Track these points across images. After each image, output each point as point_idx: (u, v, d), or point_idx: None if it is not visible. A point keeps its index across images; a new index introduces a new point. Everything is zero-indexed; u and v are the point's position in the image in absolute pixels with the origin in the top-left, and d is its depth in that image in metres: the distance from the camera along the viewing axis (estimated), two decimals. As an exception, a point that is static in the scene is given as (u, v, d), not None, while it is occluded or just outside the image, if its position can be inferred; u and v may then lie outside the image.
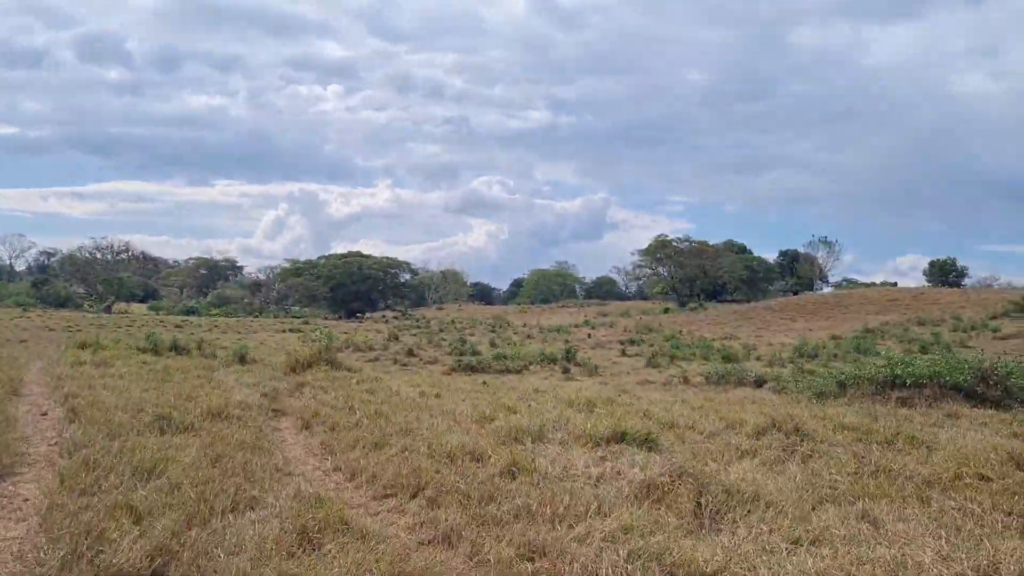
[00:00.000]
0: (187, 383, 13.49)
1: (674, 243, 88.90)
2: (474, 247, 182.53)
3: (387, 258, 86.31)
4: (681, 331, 49.69)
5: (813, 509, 5.52)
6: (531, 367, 25.41)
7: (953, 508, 5.47)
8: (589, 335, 48.29)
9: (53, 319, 52.33)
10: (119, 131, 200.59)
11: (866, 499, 5.78)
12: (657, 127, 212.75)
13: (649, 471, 6.10)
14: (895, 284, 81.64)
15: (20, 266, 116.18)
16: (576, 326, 58.27)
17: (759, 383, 18.49)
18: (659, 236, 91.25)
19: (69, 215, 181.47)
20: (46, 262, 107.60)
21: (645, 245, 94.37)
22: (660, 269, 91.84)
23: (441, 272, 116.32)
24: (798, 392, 15.43)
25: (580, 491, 5.71)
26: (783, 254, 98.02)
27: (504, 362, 25.55)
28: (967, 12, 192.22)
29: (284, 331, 49.32)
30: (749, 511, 5.24)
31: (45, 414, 10.55)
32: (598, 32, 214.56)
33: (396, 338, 41.64)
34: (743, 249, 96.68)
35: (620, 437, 7.78)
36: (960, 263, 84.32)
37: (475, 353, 30.36)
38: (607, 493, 5.77)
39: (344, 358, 20.49)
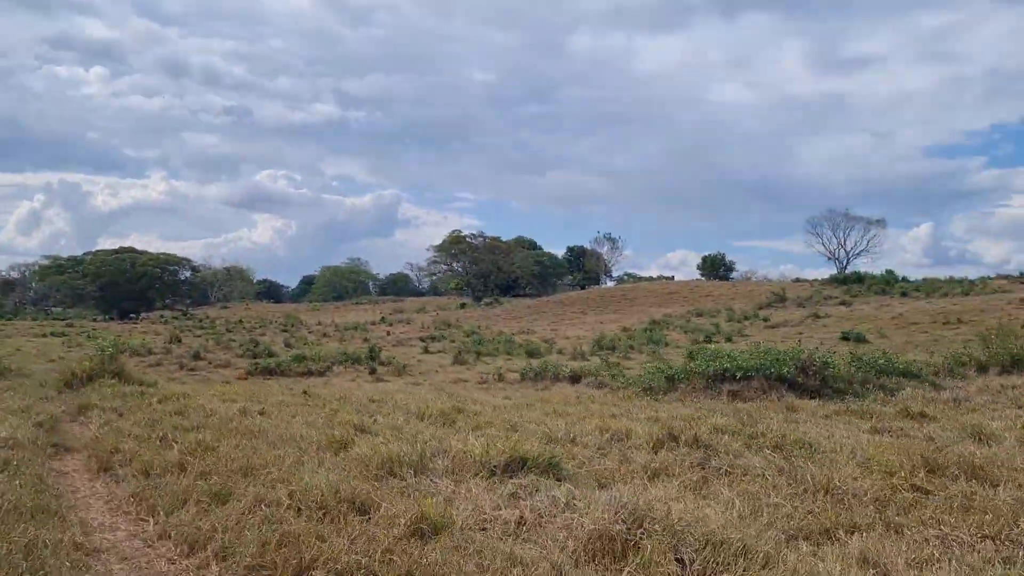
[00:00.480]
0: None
1: (468, 239, 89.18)
2: (259, 243, 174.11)
3: (164, 254, 79.35)
4: (480, 326, 49.51)
5: (783, 549, 4.60)
6: (334, 368, 23.90)
7: (936, 538, 4.82)
8: (388, 332, 46.97)
9: None
10: None
11: (839, 532, 5.00)
12: (446, 125, 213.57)
13: (592, 514, 4.82)
14: (672, 278, 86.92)
15: None
16: (373, 323, 56.68)
17: (575, 379, 18.28)
18: (453, 232, 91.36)
19: None
20: None
21: (439, 241, 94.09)
22: (455, 265, 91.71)
23: (225, 269, 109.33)
24: (623, 387, 15.19)
25: (519, 553, 4.31)
26: (571, 250, 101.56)
27: (305, 364, 23.86)
28: (723, 27, 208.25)
29: (45, 335, 43.83)
30: (745, 569, 4.17)
31: None
32: (386, 29, 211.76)
33: (178, 340, 38.18)
34: (533, 245, 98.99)
35: (520, 463, 6.41)
36: (728, 258, 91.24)
37: (271, 355, 28.28)
38: (554, 553, 4.45)
39: (133, 369, 17.70)
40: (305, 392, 14.21)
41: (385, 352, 28.98)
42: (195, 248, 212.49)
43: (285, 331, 49.21)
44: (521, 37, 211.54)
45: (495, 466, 6.45)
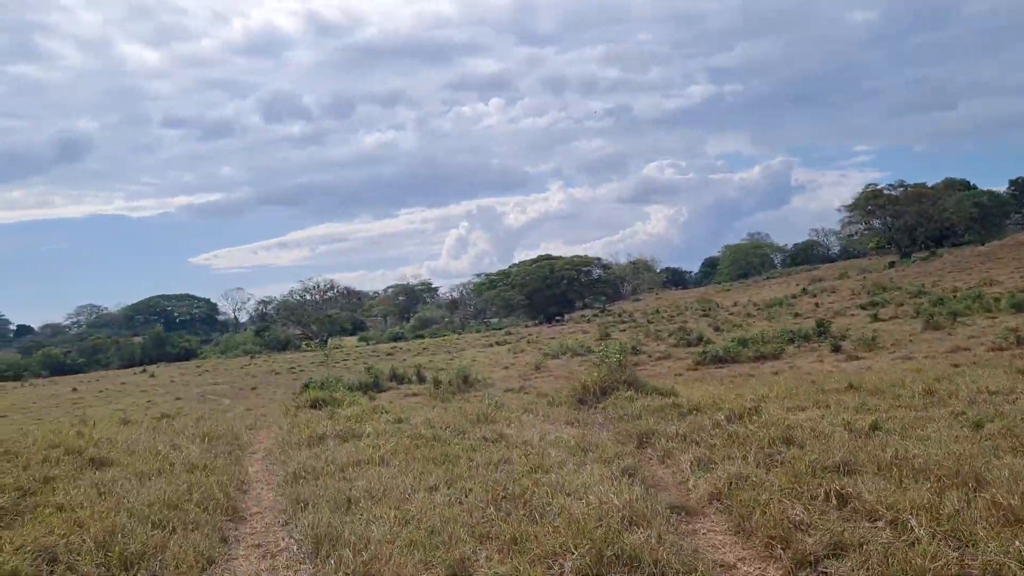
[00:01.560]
0: (482, 458, 8.69)
1: (886, 191, 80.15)
2: (654, 234, 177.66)
3: (577, 257, 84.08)
4: (924, 284, 43.49)
5: None
6: (787, 349, 21.84)
7: None
8: (816, 304, 43.43)
9: (277, 362, 54.06)
10: (307, 180, 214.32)
11: None
12: (826, 78, 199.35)
13: None
14: None
15: (243, 317, 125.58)
16: (794, 296, 53.30)
17: None
18: (868, 186, 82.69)
19: (277, 264, 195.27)
20: (264, 310, 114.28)
21: (846, 200, 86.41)
22: (874, 222, 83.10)
23: (631, 263, 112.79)
24: None
25: None
26: (1014, 183, 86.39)
27: (754, 347, 22.03)
28: None
29: (491, 344, 47.97)
30: None
31: None
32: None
33: (607, 336, 39.09)
34: (966, 185, 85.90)
35: None
36: None
37: (707, 341, 27.14)
38: None
39: (642, 375, 16.33)
40: (851, 386, 11.39)
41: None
42: (596, 248, 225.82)
43: (705, 315, 48.26)
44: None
45: None
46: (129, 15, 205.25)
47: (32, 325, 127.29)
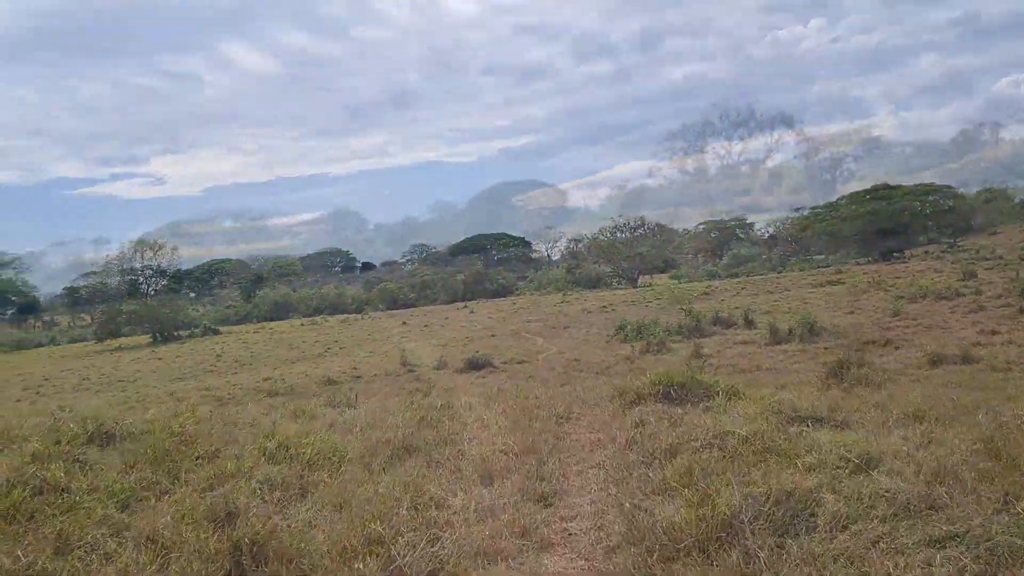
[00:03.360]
0: None
1: None
2: (1000, 158, 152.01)
3: (922, 185, 73.43)
4: None
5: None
6: None
7: None
8: None
9: (588, 300, 53.50)
10: (614, 119, 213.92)
11: None
12: None
13: None
14: None
15: (555, 255, 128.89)
16: None
17: None
18: None
19: (587, 205, 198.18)
20: (575, 248, 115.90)
21: None
22: None
23: (986, 190, 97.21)
24: None
25: None
26: None
27: None
28: None
29: (821, 284, 42.84)
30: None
31: None
32: None
33: (973, 275, 32.89)
34: None
35: None
36: None
37: None
38: None
39: None
40: None
41: None
42: (928, 177, 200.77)
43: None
44: None
45: None
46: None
47: (374, 263, 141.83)
